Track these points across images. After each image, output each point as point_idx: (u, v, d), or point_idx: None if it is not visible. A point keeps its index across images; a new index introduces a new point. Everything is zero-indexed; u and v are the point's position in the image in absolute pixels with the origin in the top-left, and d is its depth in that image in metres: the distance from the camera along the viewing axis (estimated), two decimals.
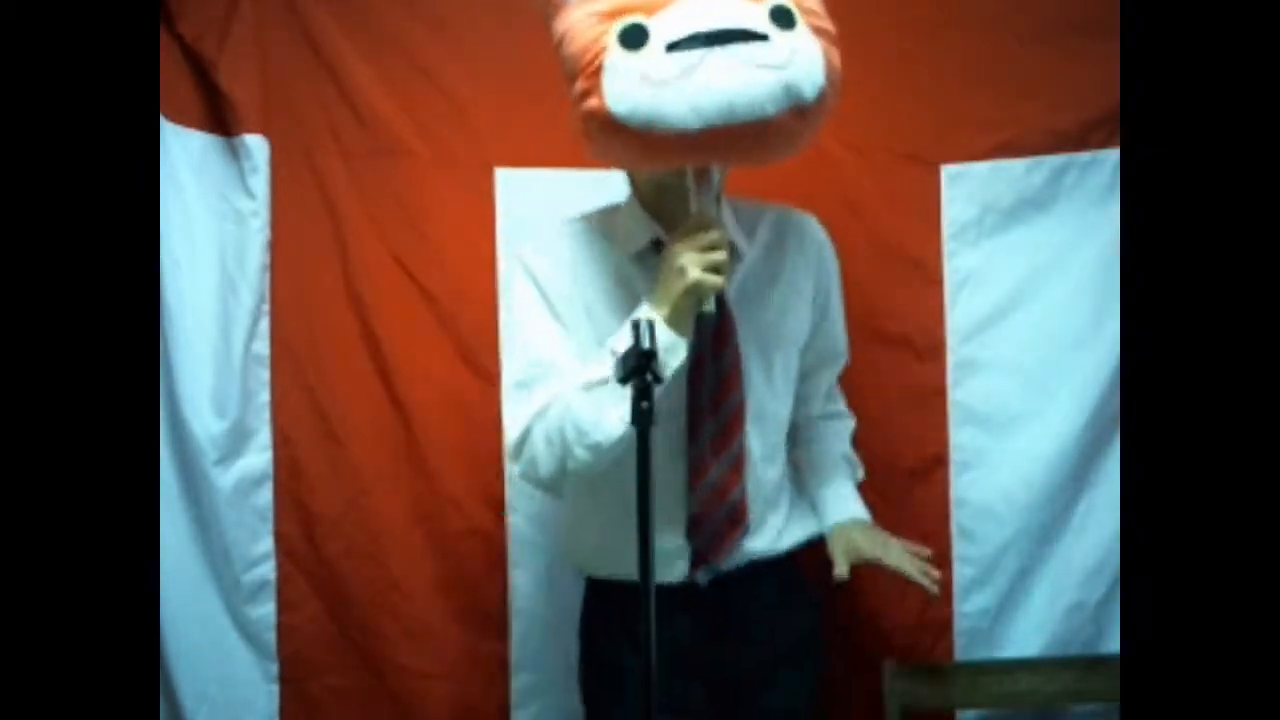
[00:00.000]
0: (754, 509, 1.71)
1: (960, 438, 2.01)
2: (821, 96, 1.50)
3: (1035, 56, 1.97)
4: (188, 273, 1.91)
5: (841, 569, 1.72)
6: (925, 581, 1.72)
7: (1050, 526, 1.99)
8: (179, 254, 1.90)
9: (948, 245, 2.00)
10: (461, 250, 1.99)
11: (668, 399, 1.57)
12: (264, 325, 1.96)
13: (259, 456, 1.95)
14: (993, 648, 1.99)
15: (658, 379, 1.32)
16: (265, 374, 1.96)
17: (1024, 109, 1.97)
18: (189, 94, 1.92)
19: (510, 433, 1.66)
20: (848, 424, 1.90)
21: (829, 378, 1.88)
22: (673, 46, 1.45)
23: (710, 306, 1.54)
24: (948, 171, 2.00)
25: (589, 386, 1.56)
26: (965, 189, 1.99)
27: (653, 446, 1.35)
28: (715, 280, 1.53)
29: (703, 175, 1.58)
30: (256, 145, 1.93)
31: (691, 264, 1.52)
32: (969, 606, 1.99)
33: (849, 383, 1.90)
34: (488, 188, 1.99)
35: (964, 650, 1.99)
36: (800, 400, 1.81)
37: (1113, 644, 1.95)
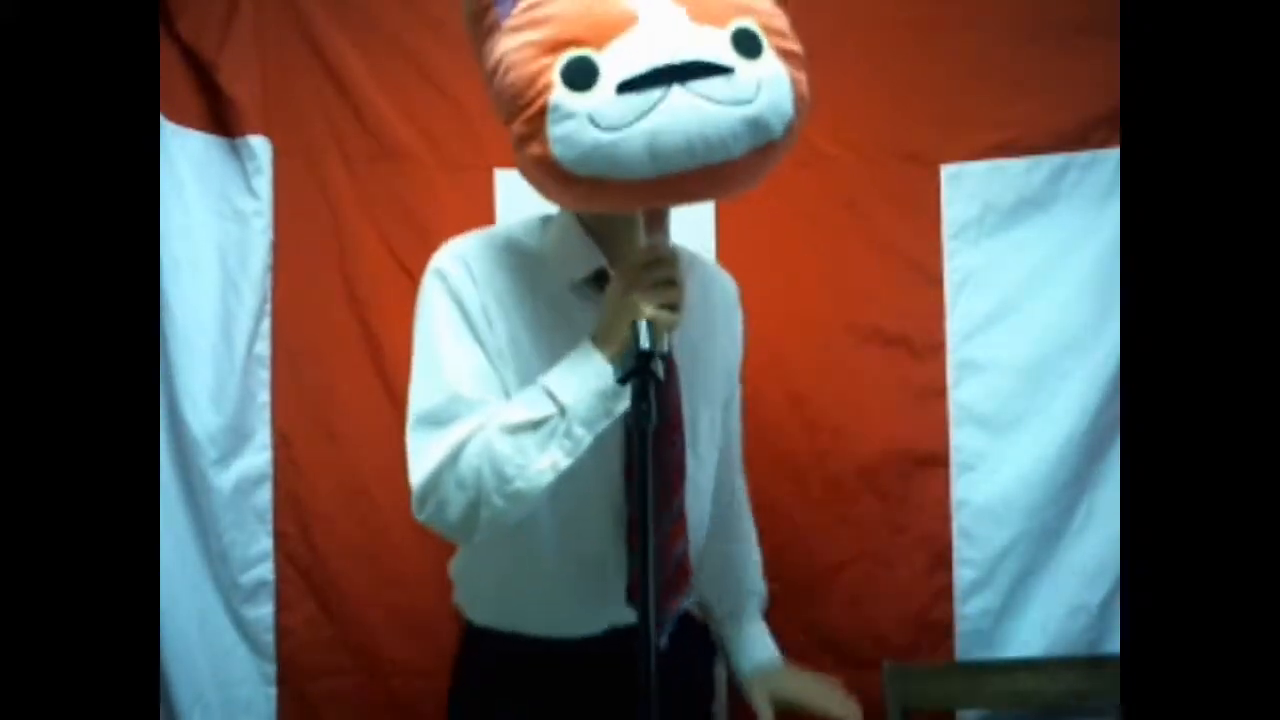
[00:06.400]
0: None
1: (961, 438, 2.00)
2: (789, 130, 1.32)
3: (1035, 56, 1.97)
4: (188, 273, 1.91)
5: (768, 716, 1.59)
6: (850, 716, 1.59)
7: (1052, 528, 1.98)
8: (179, 254, 1.90)
9: (948, 245, 2.00)
10: None
11: (604, 452, 1.40)
12: (265, 326, 1.97)
13: (258, 457, 1.95)
14: (994, 650, 1.98)
15: (657, 380, 1.27)
16: (265, 374, 1.96)
17: (1024, 108, 1.97)
18: (189, 94, 1.92)
19: (416, 474, 1.39)
20: (756, 553, 1.73)
21: (724, 464, 1.65)
22: (625, 86, 1.24)
23: (664, 347, 1.33)
24: (947, 171, 2.00)
25: (514, 428, 1.34)
26: (965, 188, 1.99)
27: (586, 497, 1.26)
28: (670, 318, 1.33)
29: (656, 210, 1.42)
30: (260, 146, 1.94)
31: (644, 300, 1.32)
32: (970, 609, 1.99)
33: (849, 384, 1.90)
34: (488, 189, 1.99)
35: (965, 653, 1.98)
36: None
37: (1114, 645, 1.94)
